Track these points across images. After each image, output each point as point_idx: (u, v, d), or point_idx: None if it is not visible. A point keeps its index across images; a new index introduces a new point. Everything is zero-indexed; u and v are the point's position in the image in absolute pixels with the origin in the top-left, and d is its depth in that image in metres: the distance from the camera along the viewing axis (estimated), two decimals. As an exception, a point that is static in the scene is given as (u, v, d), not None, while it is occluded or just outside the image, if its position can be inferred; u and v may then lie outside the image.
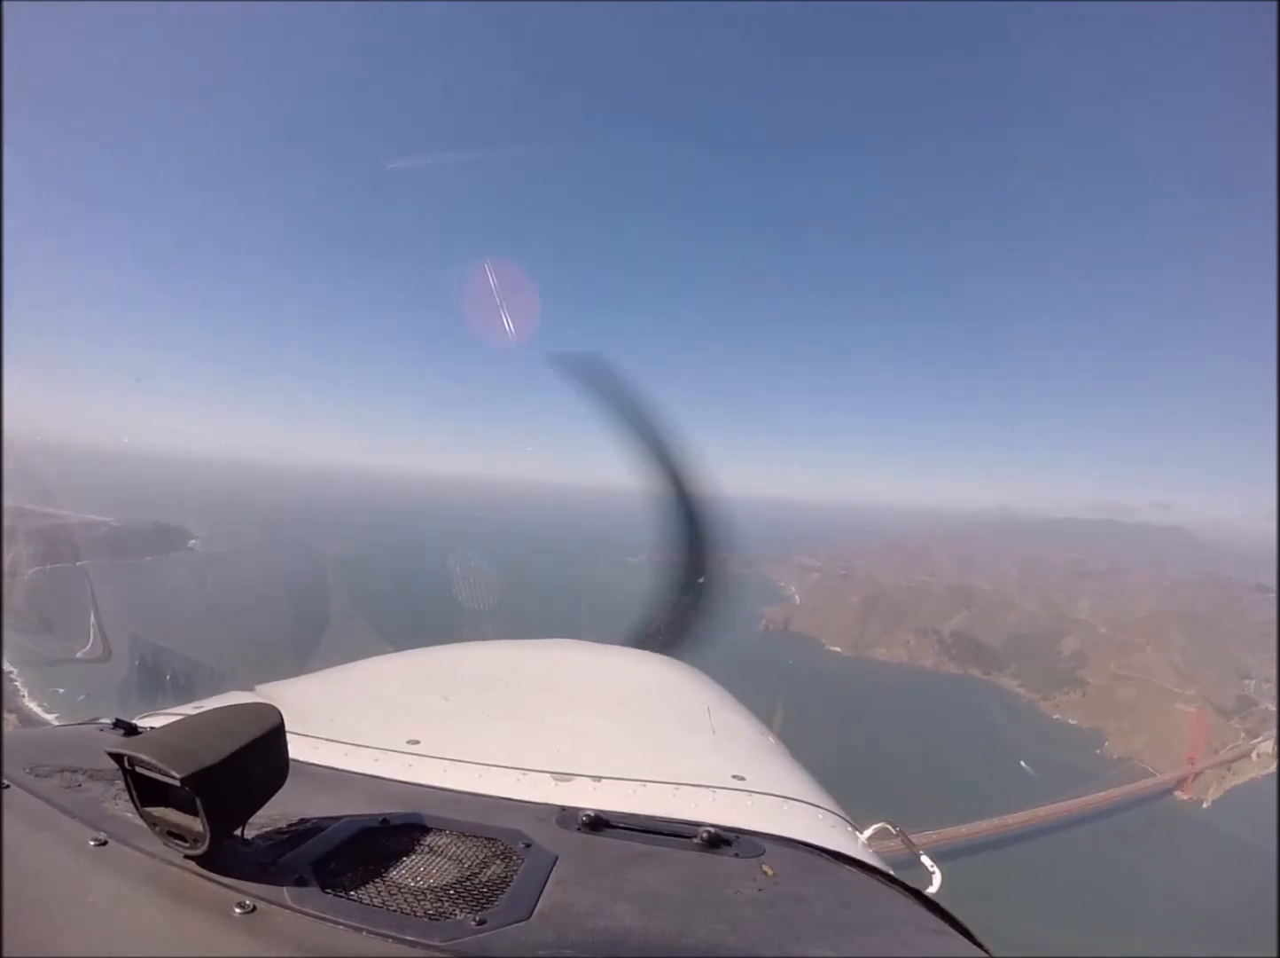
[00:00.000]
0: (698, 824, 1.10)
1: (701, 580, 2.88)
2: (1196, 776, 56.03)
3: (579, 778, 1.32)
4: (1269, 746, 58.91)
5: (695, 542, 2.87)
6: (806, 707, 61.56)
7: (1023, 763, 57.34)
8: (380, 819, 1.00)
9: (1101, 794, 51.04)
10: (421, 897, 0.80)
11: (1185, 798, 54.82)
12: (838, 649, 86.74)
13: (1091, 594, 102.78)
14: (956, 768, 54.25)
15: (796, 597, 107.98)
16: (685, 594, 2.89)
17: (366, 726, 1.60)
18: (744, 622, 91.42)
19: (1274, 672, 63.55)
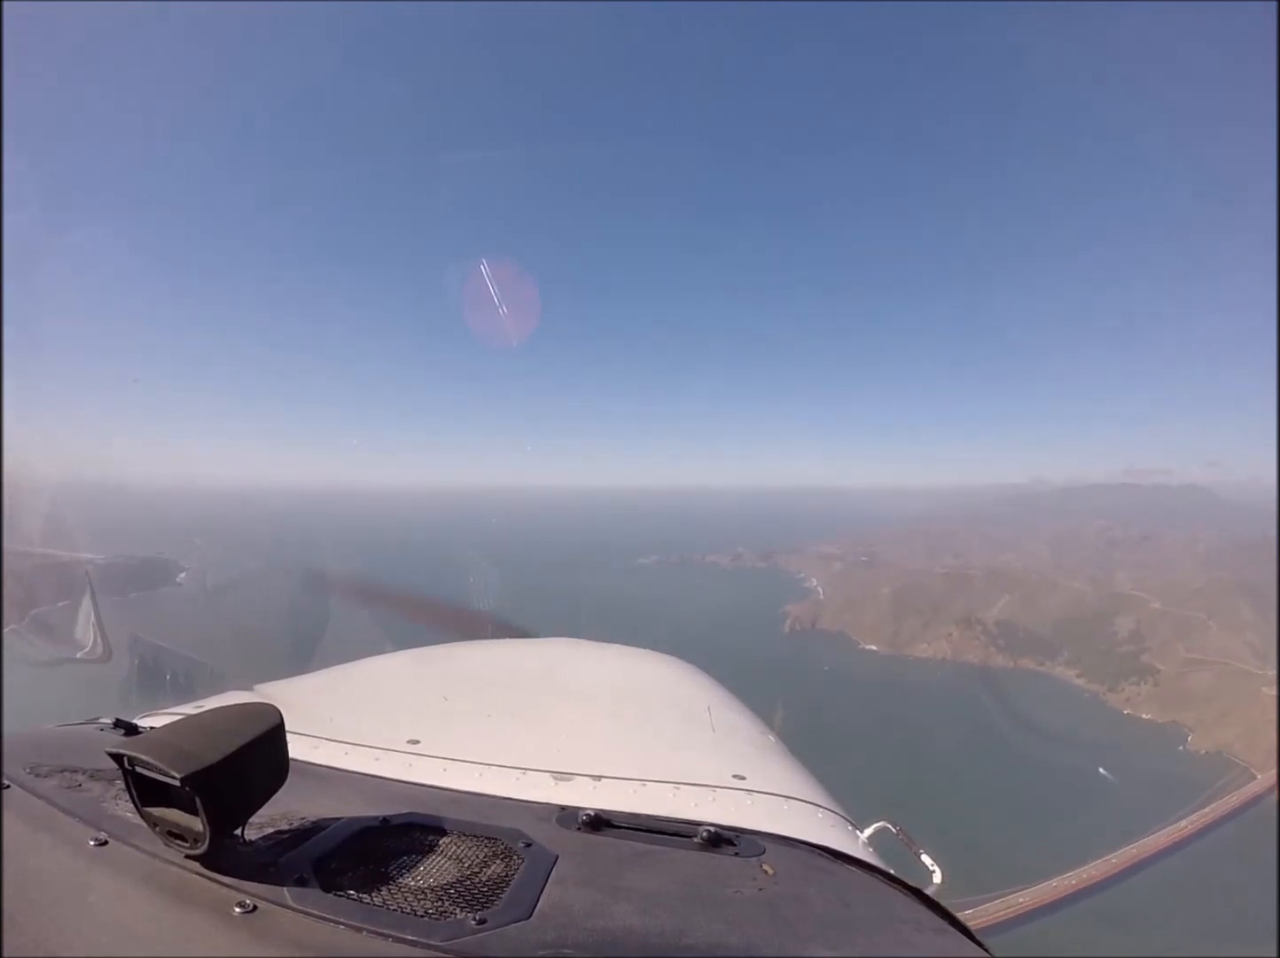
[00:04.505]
0: (698, 824, 1.10)
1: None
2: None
3: (579, 777, 1.32)
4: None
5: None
6: (847, 717, 55.77)
7: (1101, 769, 51.37)
8: (380, 819, 1.00)
9: (1198, 816, 44.63)
10: (422, 896, 0.80)
11: (1287, 796, 49.01)
12: (874, 647, 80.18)
13: (1128, 565, 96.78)
14: (1030, 785, 48.04)
15: (820, 590, 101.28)
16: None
17: (366, 725, 1.60)
18: (767, 622, 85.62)
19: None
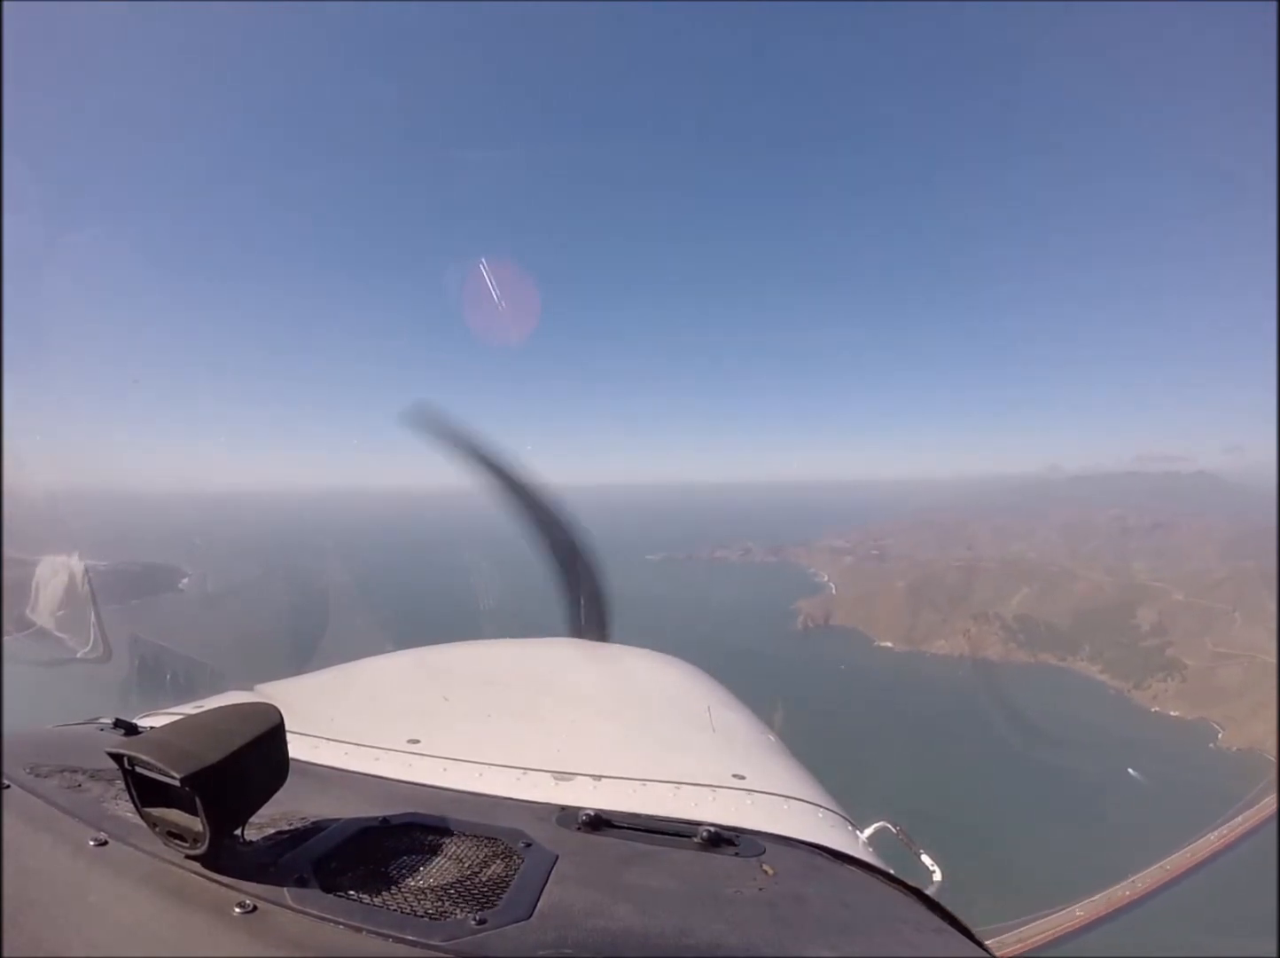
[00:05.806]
0: (698, 824, 1.10)
1: (584, 570, 3.08)
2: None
3: (579, 777, 1.32)
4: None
5: (563, 541, 3.07)
6: (867, 719, 54.58)
7: (1131, 770, 49.85)
8: (380, 819, 1.00)
9: (1231, 826, 42.88)
10: (422, 897, 0.80)
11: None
12: (889, 644, 78.40)
13: (1144, 554, 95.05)
14: (1058, 787, 46.61)
15: (832, 586, 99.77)
16: (577, 585, 3.08)
17: (366, 725, 1.60)
18: (778, 618, 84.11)
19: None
